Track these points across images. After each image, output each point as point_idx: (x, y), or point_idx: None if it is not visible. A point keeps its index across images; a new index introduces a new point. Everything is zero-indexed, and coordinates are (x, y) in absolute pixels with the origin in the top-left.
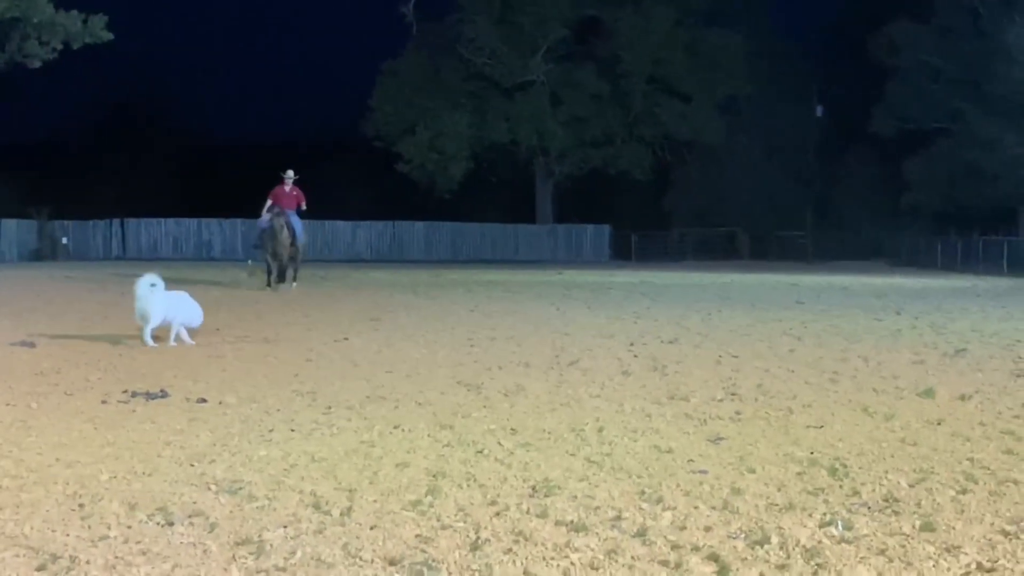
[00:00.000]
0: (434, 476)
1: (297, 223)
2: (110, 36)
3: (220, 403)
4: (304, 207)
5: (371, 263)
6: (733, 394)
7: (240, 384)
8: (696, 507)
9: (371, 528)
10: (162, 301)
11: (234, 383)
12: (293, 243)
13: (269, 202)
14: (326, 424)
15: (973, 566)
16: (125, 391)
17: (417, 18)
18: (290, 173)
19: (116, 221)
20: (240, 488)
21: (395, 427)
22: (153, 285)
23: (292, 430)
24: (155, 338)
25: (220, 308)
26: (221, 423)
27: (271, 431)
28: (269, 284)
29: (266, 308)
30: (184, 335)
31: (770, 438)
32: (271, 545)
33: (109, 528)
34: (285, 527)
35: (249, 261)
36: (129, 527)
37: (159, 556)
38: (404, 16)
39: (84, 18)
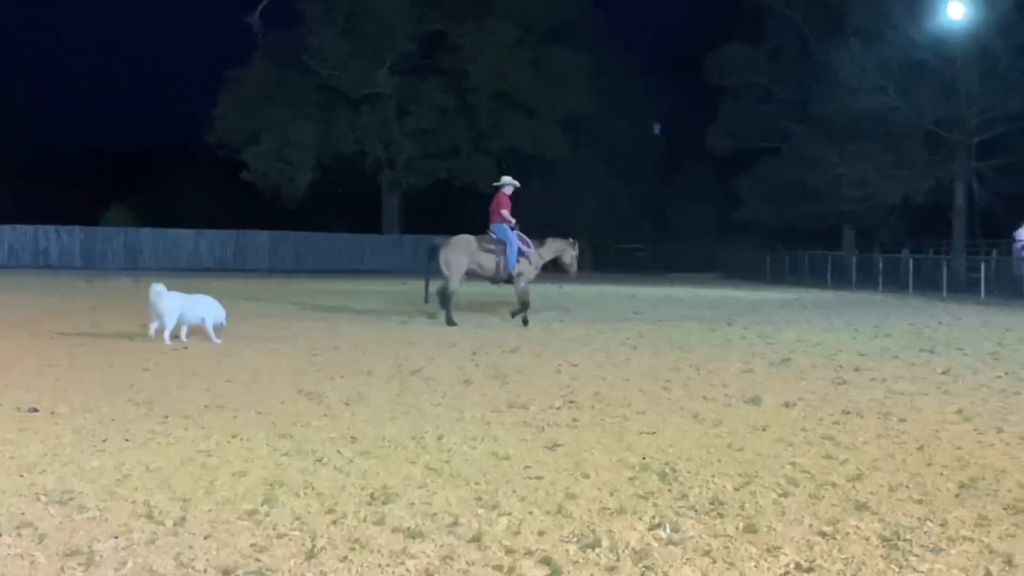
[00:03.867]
0: (271, 485)
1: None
2: None
3: (52, 412)
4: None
5: (214, 272)
6: (571, 402)
7: (74, 393)
8: (531, 512)
9: (205, 538)
10: (175, 302)
11: (67, 392)
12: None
13: (513, 220)
14: (162, 434)
15: (792, 566)
16: None
17: (263, 27)
18: (509, 179)
19: None
20: (71, 499)
21: (233, 436)
22: (159, 294)
23: (126, 440)
24: (173, 336)
25: (55, 316)
26: (53, 433)
27: (104, 441)
28: (451, 321)
29: (103, 317)
30: (212, 334)
31: (605, 444)
32: (101, 556)
33: None
34: (116, 538)
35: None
36: None
37: None
38: (251, 27)
39: None
